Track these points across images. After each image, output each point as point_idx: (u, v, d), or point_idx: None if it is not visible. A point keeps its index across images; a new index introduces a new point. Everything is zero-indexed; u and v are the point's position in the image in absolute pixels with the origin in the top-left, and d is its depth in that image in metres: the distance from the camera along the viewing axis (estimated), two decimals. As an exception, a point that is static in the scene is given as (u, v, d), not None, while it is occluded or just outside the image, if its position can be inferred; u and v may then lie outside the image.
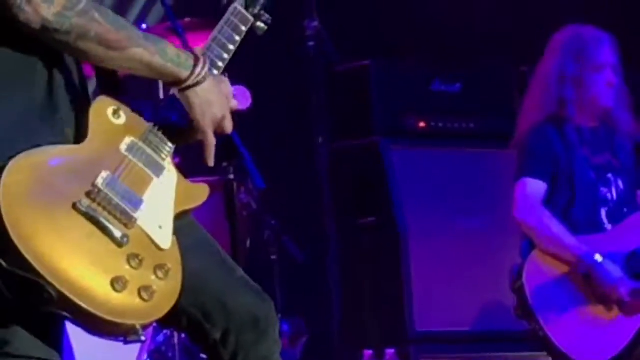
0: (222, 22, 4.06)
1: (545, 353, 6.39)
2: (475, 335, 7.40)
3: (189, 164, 4.07)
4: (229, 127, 3.86)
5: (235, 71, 4.04)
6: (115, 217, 3.64)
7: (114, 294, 3.57)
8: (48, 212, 3.61)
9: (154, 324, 3.90)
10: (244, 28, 4.07)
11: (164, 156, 3.83)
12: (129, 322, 3.60)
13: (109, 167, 3.67)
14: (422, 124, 7.59)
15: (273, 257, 6.78)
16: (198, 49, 3.98)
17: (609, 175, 6.35)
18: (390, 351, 7.07)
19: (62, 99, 3.78)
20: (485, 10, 8.37)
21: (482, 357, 7.40)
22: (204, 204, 3.89)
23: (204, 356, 5.09)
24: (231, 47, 4.04)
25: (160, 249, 3.69)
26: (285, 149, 6.12)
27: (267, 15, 4.14)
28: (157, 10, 7.90)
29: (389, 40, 8.17)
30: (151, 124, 3.87)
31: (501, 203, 6.36)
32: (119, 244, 3.60)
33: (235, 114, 3.99)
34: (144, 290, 3.60)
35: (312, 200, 6.89)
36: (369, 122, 7.55)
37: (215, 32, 4.05)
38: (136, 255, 3.61)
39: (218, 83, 3.86)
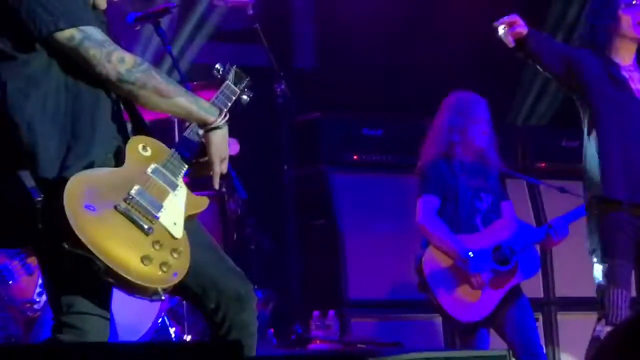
0: (218, 92, 4.02)
1: (438, 315, 6.41)
2: (391, 301, 7.35)
3: (194, 183, 4.10)
4: (225, 167, 3.86)
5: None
6: (143, 215, 3.69)
7: (143, 267, 3.62)
8: (98, 211, 3.63)
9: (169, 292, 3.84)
10: (233, 97, 4.04)
11: (178, 177, 3.84)
12: (153, 286, 3.65)
13: (139, 183, 3.70)
14: (355, 157, 7.54)
15: (252, 247, 6.73)
16: None
17: (482, 194, 6.29)
18: (331, 312, 6.99)
19: (110, 133, 3.77)
20: (397, 79, 8.33)
21: (396, 317, 7.33)
22: (205, 210, 3.91)
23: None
24: (225, 108, 3.96)
25: (174, 238, 3.72)
26: (261, 173, 6.13)
27: (249, 92, 4.11)
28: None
29: (334, 99, 8.10)
30: (172, 152, 3.86)
31: (410, 212, 6.29)
32: (146, 233, 3.67)
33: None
34: (164, 265, 3.66)
35: (280, 208, 6.90)
36: (319, 156, 7.49)
37: (213, 98, 4.00)
38: (158, 242, 3.68)
39: (227, 133, 3.85)
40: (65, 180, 3.58)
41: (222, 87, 4.05)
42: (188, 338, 6.19)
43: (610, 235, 5.34)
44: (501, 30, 5.27)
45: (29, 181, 3.61)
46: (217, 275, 3.83)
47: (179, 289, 3.80)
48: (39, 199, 3.59)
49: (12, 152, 3.66)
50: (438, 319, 6.78)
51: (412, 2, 8.32)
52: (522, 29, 5.29)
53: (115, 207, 3.65)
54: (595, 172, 5.41)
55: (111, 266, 3.55)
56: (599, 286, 5.34)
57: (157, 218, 3.71)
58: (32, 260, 5.51)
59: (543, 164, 7.92)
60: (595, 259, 5.38)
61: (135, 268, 3.60)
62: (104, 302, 3.75)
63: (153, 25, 5.43)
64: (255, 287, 5.18)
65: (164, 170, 3.81)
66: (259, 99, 4.20)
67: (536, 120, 8.76)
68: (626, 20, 5.45)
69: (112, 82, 3.69)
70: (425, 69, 8.14)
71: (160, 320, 6.08)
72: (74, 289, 3.69)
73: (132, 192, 3.68)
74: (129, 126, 3.94)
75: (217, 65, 4.10)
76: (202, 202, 3.91)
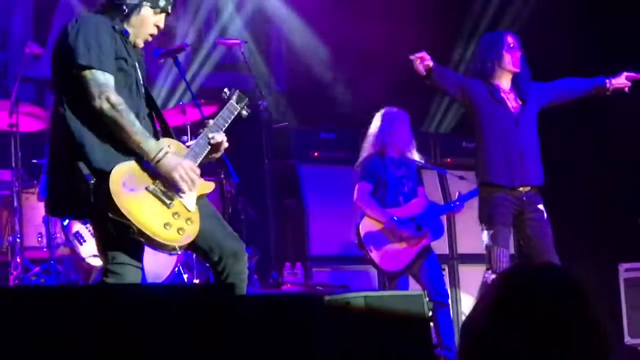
0: (224, 108, 4.02)
1: (372, 266, 6.34)
2: (341, 256, 7.26)
3: (204, 171, 4.09)
4: (191, 179, 3.69)
5: (227, 131, 3.99)
6: (166, 194, 3.68)
7: (165, 231, 3.63)
8: (133, 190, 3.62)
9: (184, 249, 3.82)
10: (235, 112, 4.02)
11: None
12: (172, 244, 3.65)
13: (164, 171, 3.69)
14: (316, 154, 7.47)
15: (242, 217, 6.66)
16: (207, 122, 3.98)
17: (404, 180, 6.25)
18: (298, 264, 6.95)
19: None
20: (344, 98, 8.30)
21: (344, 268, 7.24)
22: (212, 191, 3.92)
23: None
24: (228, 120, 3.99)
25: (189, 211, 3.71)
26: (249, 165, 6.12)
27: (247, 109, 4.09)
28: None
29: (301, 112, 8.09)
30: (188, 149, 3.86)
31: (352, 193, 6.27)
32: (168, 207, 3.67)
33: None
34: (180, 230, 3.66)
35: (262, 190, 6.87)
36: (289, 153, 7.43)
37: (220, 113, 4.00)
38: (176, 213, 3.68)
39: (171, 159, 3.67)
40: (110, 170, 3.56)
41: (227, 105, 4.03)
42: (197, 281, 6.14)
43: (494, 209, 5.33)
44: (415, 62, 5.30)
45: (84, 169, 3.57)
46: (219, 238, 3.81)
47: (191, 247, 3.80)
48: (92, 181, 3.56)
49: (72, 150, 3.63)
50: (374, 270, 6.73)
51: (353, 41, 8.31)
52: (429, 62, 5.28)
53: (146, 188, 3.65)
54: (484, 165, 5.41)
55: (142, 230, 3.56)
56: (487, 246, 5.34)
57: (177, 196, 3.68)
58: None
59: (449, 160, 7.87)
60: (483, 226, 5.38)
61: (159, 231, 3.60)
62: (137, 256, 3.74)
63: (172, 58, 5.43)
64: (245, 246, 5.23)
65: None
66: (249, 113, 4.22)
67: (444, 128, 8.77)
68: (507, 58, 5.47)
69: (97, 110, 3.58)
70: (364, 89, 8.06)
71: (176, 269, 6.04)
72: (116, 246, 3.68)
73: (159, 177, 3.67)
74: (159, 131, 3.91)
75: (225, 90, 4.08)
76: (210, 186, 3.89)
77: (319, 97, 8.28)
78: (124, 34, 3.77)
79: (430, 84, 5.40)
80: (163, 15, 3.85)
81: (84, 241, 5.78)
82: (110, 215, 3.53)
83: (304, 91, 8.35)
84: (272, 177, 6.92)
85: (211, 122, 3.98)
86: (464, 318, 7.14)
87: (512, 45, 5.48)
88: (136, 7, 3.78)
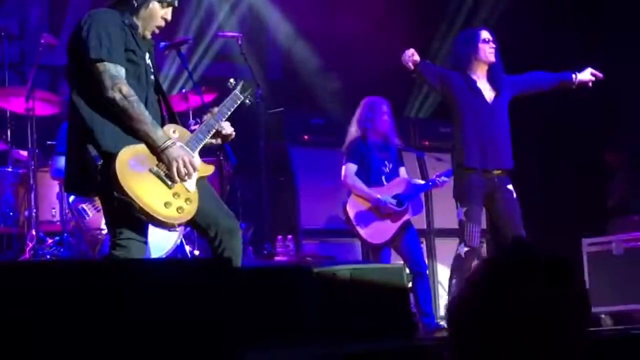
0: (229, 97, 3.99)
1: (356, 239, 6.36)
2: (329, 230, 7.23)
3: (203, 155, 4.05)
4: (189, 168, 3.65)
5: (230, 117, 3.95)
6: (168, 176, 3.64)
7: (165, 209, 3.61)
8: (137, 171, 3.59)
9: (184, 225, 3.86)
10: (239, 101, 3.99)
11: (194, 151, 3.79)
12: (171, 222, 3.64)
13: (168, 154, 3.65)
14: (306, 137, 7.45)
15: (238, 194, 6.62)
16: (212, 109, 3.94)
17: (386, 162, 6.24)
18: (289, 237, 6.92)
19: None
20: (331, 86, 8.24)
21: (332, 241, 7.21)
22: (212, 173, 3.91)
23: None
24: (231, 109, 3.95)
25: (189, 191, 3.69)
26: (246, 146, 6.08)
27: (251, 98, 4.08)
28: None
29: (293, 99, 8.03)
30: (191, 135, 3.82)
31: (341, 174, 6.26)
32: (169, 187, 3.65)
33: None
34: (179, 209, 3.64)
35: (257, 169, 6.83)
36: (282, 136, 7.41)
37: (224, 101, 3.97)
38: (177, 193, 3.66)
39: (178, 149, 3.64)
40: (117, 152, 3.54)
41: (231, 94, 4.00)
42: (197, 253, 6.11)
43: (467, 189, 5.34)
44: (405, 57, 5.29)
45: (93, 151, 3.55)
46: (216, 215, 3.79)
47: (192, 223, 3.78)
48: (100, 162, 3.54)
49: (83, 134, 3.61)
50: (358, 242, 6.71)
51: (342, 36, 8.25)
52: (417, 58, 5.32)
53: (150, 170, 3.62)
54: (460, 149, 5.41)
55: (144, 208, 3.54)
56: (460, 221, 5.36)
57: (177, 178, 3.66)
58: (99, 203, 5.50)
59: (427, 142, 7.86)
60: (458, 203, 5.40)
61: (160, 210, 3.58)
62: (142, 231, 3.72)
63: (176, 51, 5.39)
64: (241, 220, 5.20)
65: (185, 147, 3.75)
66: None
67: (423, 113, 8.75)
68: (482, 50, 5.47)
69: (109, 100, 3.55)
70: (350, 79, 8.02)
71: (179, 242, 6.00)
72: (121, 222, 3.66)
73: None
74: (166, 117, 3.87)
75: (231, 80, 4.09)
76: (209, 169, 3.88)
77: (309, 86, 8.21)
78: (133, 27, 3.74)
79: (416, 76, 5.44)
80: (170, 8, 3.82)
81: (88, 216, 5.76)
82: (116, 194, 3.52)
83: (295, 80, 8.28)
84: (266, 157, 6.86)
85: (215, 109, 3.95)
86: (439, 286, 7.24)
87: (487, 39, 5.47)
88: (145, 1, 3.76)
